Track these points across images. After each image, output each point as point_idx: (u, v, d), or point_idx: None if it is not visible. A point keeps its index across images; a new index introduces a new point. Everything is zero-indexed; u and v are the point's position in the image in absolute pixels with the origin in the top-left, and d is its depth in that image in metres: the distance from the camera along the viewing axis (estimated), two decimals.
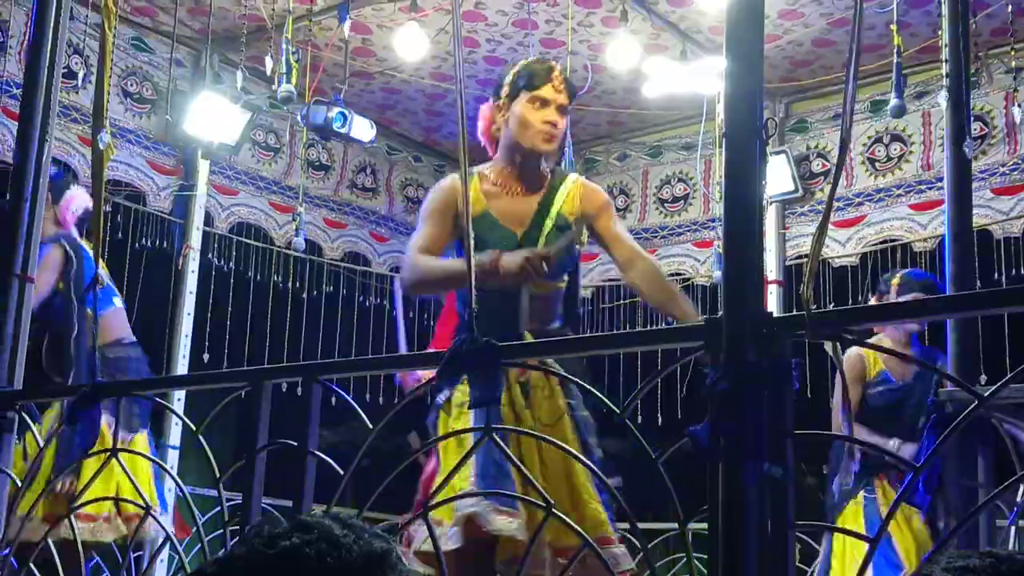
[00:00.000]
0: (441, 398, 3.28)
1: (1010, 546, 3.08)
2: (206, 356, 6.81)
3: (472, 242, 2.61)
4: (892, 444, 4.84)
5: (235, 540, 2.73)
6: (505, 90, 3.56)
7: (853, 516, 4.78)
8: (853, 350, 4.92)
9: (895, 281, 5.04)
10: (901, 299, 4.91)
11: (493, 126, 3.61)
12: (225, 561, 1.31)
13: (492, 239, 3.41)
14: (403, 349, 5.73)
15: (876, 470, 4.81)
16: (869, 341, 4.88)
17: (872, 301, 5.26)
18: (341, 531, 1.30)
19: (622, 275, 3.68)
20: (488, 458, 3.06)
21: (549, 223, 3.53)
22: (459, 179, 3.37)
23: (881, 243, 7.01)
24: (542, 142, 3.53)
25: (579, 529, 2.37)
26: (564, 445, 2.83)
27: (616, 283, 7.66)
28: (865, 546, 4.59)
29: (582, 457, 2.74)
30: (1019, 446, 2.72)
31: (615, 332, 6.79)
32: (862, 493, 4.81)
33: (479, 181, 3.55)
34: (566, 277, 3.59)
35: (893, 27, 4.87)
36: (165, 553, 5.82)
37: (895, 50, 4.85)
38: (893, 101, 4.98)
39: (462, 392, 3.07)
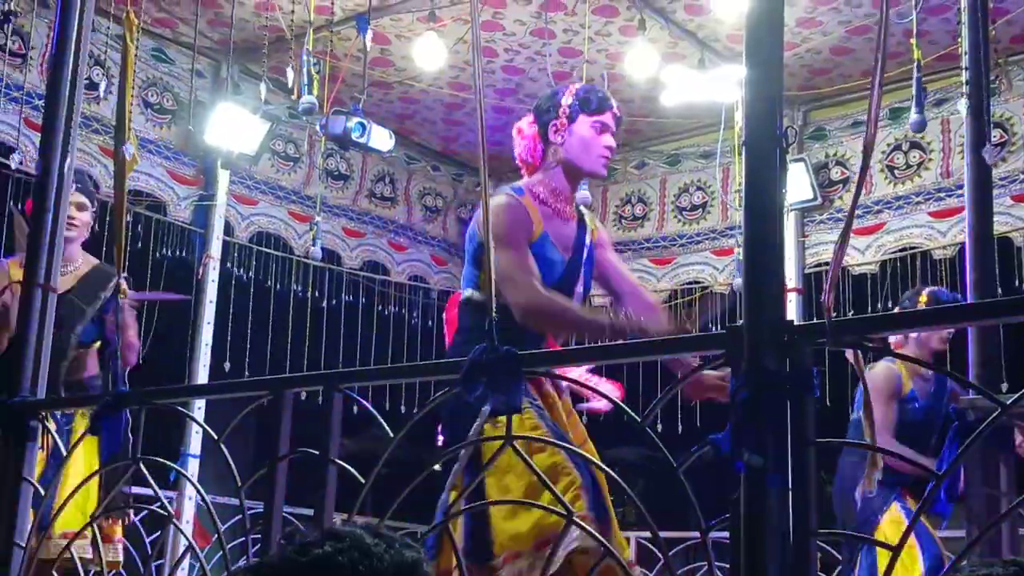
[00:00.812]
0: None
1: None
2: (227, 365, 6.84)
3: (489, 273, 2.62)
4: (928, 461, 4.85)
5: (257, 548, 2.74)
6: (564, 110, 3.50)
7: (893, 530, 4.72)
8: (888, 366, 4.92)
9: (923, 299, 5.05)
10: None
11: (547, 146, 3.53)
12: (258, 569, 1.32)
13: (546, 263, 3.37)
14: None
15: (902, 485, 4.78)
16: (894, 362, 4.90)
17: None
18: (372, 540, 1.32)
19: (621, 306, 3.61)
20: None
21: (585, 252, 3.52)
22: (514, 198, 3.41)
23: (901, 251, 6.99)
24: (601, 167, 3.53)
25: (602, 539, 2.37)
26: (595, 460, 2.84)
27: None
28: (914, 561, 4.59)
29: (604, 467, 2.73)
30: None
31: (635, 341, 6.79)
32: (900, 510, 4.77)
33: (532, 200, 3.46)
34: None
35: (913, 41, 4.85)
36: (186, 562, 5.84)
37: (915, 64, 4.83)
38: (914, 116, 4.97)
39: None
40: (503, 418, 2.98)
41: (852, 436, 5.07)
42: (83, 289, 4.67)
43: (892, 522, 4.76)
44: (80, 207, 4.63)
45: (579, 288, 3.51)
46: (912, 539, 4.69)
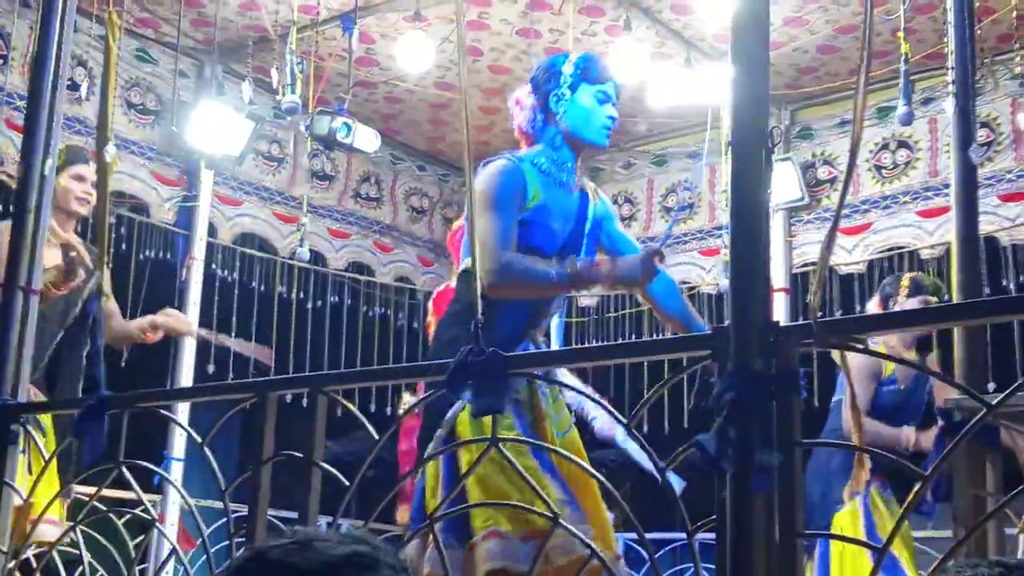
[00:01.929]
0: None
1: (1019, 555, 3.07)
2: (211, 368, 6.80)
3: (475, 239, 2.61)
4: (906, 431, 4.86)
5: (242, 552, 2.72)
6: (566, 79, 3.44)
7: (852, 523, 4.74)
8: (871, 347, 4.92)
9: (904, 283, 5.06)
10: (910, 301, 4.93)
11: (548, 116, 3.46)
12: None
13: (544, 233, 3.34)
14: None
15: (873, 472, 4.79)
16: (875, 344, 4.90)
17: (874, 302, 5.26)
18: (325, 538, 1.31)
19: None
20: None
21: (588, 224, 3.47)
22: (512, 163, 3.36)
23: (888, 250, 6.99)
24: (604, 137, 3.48)
25: (587, 540, 2.35)
26: (577, 459, 2.83)
27: (621, 292, 7.65)
28: (862, 552, 4.58)
29: (592, 470, 2.71)
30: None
31: (622, 342, 6.78)
32: (860, 504, 4.77)
33: (532, 169, 3.39)
34: None
35: (900, 35, 4.86)
36: (170, 566, 5.81)
37: (902, 58, 4.84)
38: (901, 109, 4.98)
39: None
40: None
41: (832, 417, 5.08)
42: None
43: (850, 514, 4.76)
44: (94, 184, 4.60)
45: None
46: (862, 528, 4.70)
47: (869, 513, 4.77)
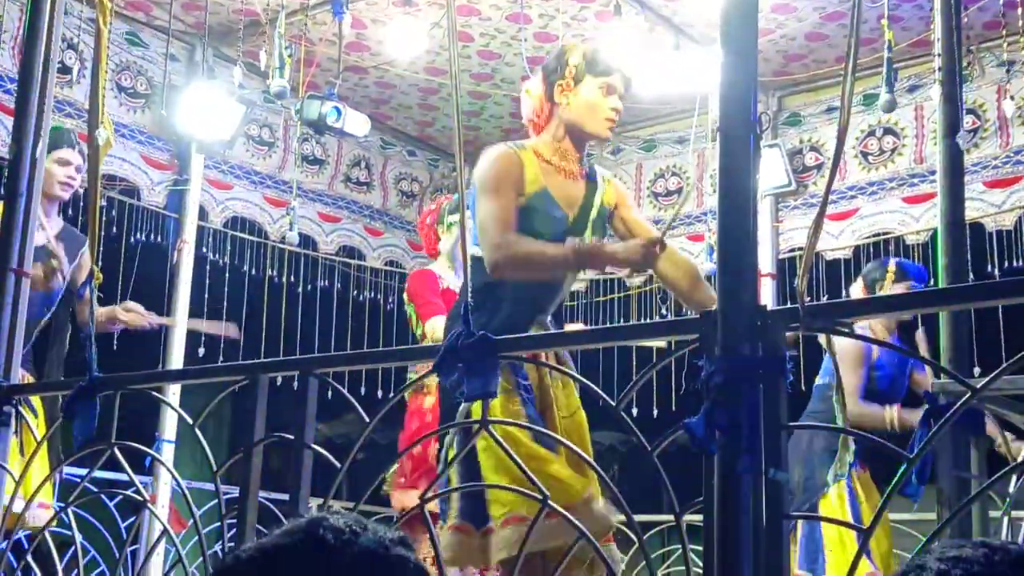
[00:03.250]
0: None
1: (1003, 537, 3.10)
2: (201, 351, 6.81)
3: (465, 225, 2.62)
4: (889, 410, 4.90)
5: (233, 533, 2.75)
6: (571, 71, 3.47)
7: (840, 506, 4.78)
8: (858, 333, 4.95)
9: (891, 269, 5.10)
10: (896, 287, 4.97)
11: (552, 106, 3.49)
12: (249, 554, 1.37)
13: (545, 219, 3.36)
14: None
15: (858, 456, 4.85)
16: (863, 329, 4.94)
17: (857, 286, 5.29)
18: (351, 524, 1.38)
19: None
20: None
21: (594, 211, 3.50)
22: (513, 149, 3.40)
23: (874, 236, 7.02)
24: (607, 129, 3.51)
25: (577, 523, 2.38)
26: (568, 442, 2.85)
27: (610, 277, 7.68)
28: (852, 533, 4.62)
29: (583, 454, 2.74)
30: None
31: (610, 326, 6.80)
32: (845, 487, 4.82)
33: (534, 157, 3.44)
34: None
35: (884, 22, 4.88)
36: (162, 547, 5.83)
37: (886, 45, 4.86)
38: (884, 96, 5.00)
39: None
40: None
41: (815, 400, 5.12)
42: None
43: (837, 496, 4.80)
44: (78, 168, 4.61)
45: None
46: (848, 509, 4.75)
47: (854, 496, 4.82)
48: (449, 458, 3.06)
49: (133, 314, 4.81)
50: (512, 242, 3.27)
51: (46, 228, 4.46)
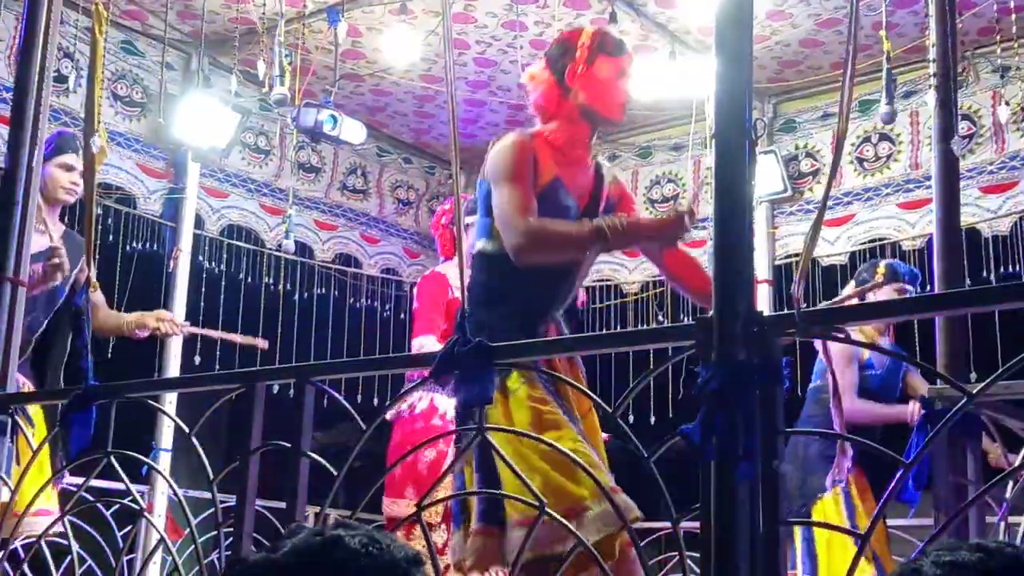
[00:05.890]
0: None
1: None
2: (197, 359, 6.80)
3: (463, 232, 2.62)
4: (911, 407, 4.88)
5: (230, 542, 2.74)
6: (583, 52, 3.31)
7: (835, 511, 4.78)
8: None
9: (880, 270, 5.11)
10: (887, 287, 4.98)
11: (564, 91, 3.34)
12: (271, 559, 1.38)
13: (557, 208, 3.26)
14: None
15: (854, 460, 4.84)
16: (854, 331, 4.93)
17: (850, 288, 5.29)
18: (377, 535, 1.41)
19: (655, 259, 3.52)
20: None
21: (602, 203, 3.42)
22: (526, 137, 3.31)
23: (870, 242, 7.03)
24: (620, 113, 3.40)
25: (575, 531, 2.37)
26: (557, 444, 2.83)
27: (607, 283, 7.69)
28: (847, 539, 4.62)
29: (578, 460, 2.73)
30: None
31: (607, 332, 6.80)
32: (841, 492, 4.81)
33: (545, 144, 3.31)
34: None
35: (882, 32, 4.88)
36: (158, 556, 5.82)
37: (885, 56, 4.86)
38: (884, 108, 5.01)
39: (517, 381, 3.06)
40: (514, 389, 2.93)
41: (810, 404, 5.11)
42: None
43: (833, 502, 4.80)
44: (82, 174, 4.60)
45: None
46: (844, 513, 4.74)
47: (850, 500, 4.81)
48: (456, 463, 3.03)
49: (168, 323, 4.81)
50: (536, 227, 3.15)
51: (50, 231, 4.46)
